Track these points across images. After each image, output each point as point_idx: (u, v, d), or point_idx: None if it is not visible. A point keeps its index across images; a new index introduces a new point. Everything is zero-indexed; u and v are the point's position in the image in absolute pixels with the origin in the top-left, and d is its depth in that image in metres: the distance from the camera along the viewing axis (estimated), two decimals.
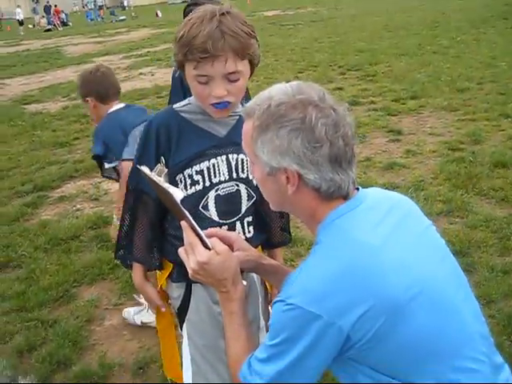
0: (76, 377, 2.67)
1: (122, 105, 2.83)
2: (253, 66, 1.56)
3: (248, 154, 1.27)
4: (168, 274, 1.74)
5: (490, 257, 3.36)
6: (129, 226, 1.75)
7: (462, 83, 7.82)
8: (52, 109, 9.29)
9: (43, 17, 39.00)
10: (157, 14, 33.41)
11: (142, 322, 3.04)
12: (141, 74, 12.07)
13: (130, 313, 3.10)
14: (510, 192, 4.21)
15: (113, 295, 3.40)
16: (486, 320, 1.29)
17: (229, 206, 1.66)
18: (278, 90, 1.20)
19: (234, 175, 1.65)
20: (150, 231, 1.72)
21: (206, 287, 1.65)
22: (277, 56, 12.21)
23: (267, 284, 1.82)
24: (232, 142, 1.61)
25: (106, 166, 2.75)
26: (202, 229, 1.30)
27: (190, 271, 1.29)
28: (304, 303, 1.10)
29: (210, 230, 1.39)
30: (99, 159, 2.79)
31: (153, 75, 11.70)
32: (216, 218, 1.65)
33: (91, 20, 39.45)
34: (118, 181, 2.81)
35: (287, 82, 1.25)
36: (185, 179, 1.62)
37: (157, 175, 1.31)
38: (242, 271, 1.38)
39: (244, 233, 1.69)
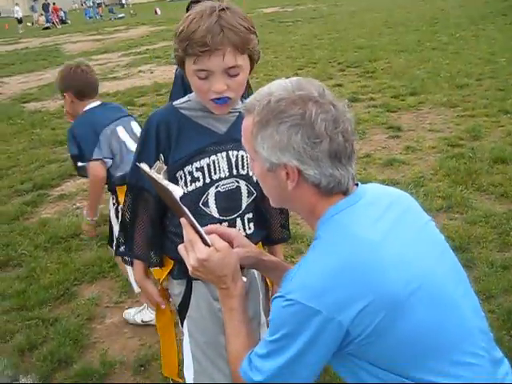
0: (77, 375, 2.67)
1: (97, 103, 2.85)
2: (252, 61, 1.56)
3: (248, 149, 1.26)
4: (169, 271, 1.75)
5: (489, 252, 3.37)
6: (129, 223, 1.75)
7: (461, 79, 7.82)
8: (51, 107, 9.28)
9: (42, 15, 38.92)
10: (155, 12, 33.39)
11: (142, 321, 3.05)
12: (140, 71, 12.07)
13: (130, 314, 3.11)
14: (509, 188, 4.21)
15: (113, 293, 3.40)
16: (486, 315, 1.29)
17: (229, 202, 1.66)
18: (278, 86, 1.20)
19: (234, 172, 1.65)
20: (151, 228, 1.72)
21: (206, 284, 1.65)
22: (276, 53, 12.21)
23: (268, 280, 1.83)
24: (232, 139, 1.61)
25: (79, 164, 2.78)
26: (203, 225, 1.30)
27: (189, 268, 1.30)
28: (303, 299, 1.10)
29: (210, 227, 1.39)
30: (75, 158, 2.82)
31: (152, 73, 11.69)
32: (216, 215, 1.65)
33: (90, 18, 39.39)
34: None
35: (287, 78, 1.25)
36: (185, 176, 1.62)
37: (156, 172, 1.31)
38: (242, 268, 1.38)
39: (244, 229, 1.70)
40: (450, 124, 6.03)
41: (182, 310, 1.74)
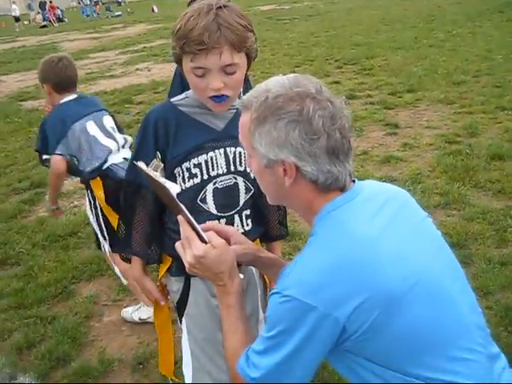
0: (75, 373, 2.68)
1: (73, 96, 2.90)
2: (250, 59, 1.56)
3: (245, 146, 1.26)
4: (167, 267, 1.75)
5: (487, 249, 3.37)
6: (128, 219, 1.75)
7: (458, 76, 7.83)
8: None
9: (38, 13, 38.82)
10: (153, 10, 33.30)
11: (140, 319, 3.05)
12: (137, 69, 12.05)
13: (127, 312, 3.12)
14: (506, 184, 4.22)
15: (111, 291, 3.40)
16: (484, 311, 1.30)
17: (227, 199, 1.66)
18: (276, 83, 1.21)
19: (232, 168, 1.66)
20: (149, 225, 1.72)
21: (204, 281, 1.65)
22: (273, 51, 12.20)
23: (266, 277, 1.83)
24: (230, 136, 1.62)
25: (44, 157, 2.85)
26: (201, 222, 1.31)
27: (186, 265, 1.30)
28: (300, 295, 1.11)
29: (207, 224, 1.39)
30: (40, 151, 2.90)
31: (149, 71, 11.67)
32: (214, 211, 1.65)
33: (87, 16, 39.30)
34: None
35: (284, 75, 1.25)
36: (183, 172, 1.63)
37: (153, 170, 1.32)
38: (239, 265, 1.39)
39: (242, 226, 1.70)
40: (447, 121, 6.04)
41: (181, 306, 1.74)
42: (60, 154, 2.76)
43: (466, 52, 9.56)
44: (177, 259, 1.64)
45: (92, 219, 2.91)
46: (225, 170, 1.65)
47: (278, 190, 1.25)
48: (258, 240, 1.80)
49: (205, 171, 1.63)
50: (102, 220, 2.83)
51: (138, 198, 1.70)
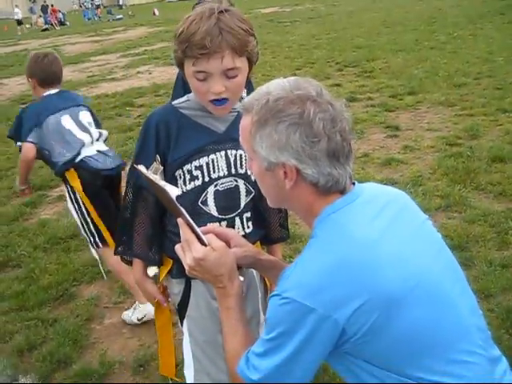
0: (76, 375, 2.68)
1: (55, 90, 3.05)
2: (251, 63, 1.58)
3: (246, 149, 1.27)
4: (168, 270, 1.75)
5: (488, 251, 3.37)
6: (129, 221, 1.75)
7: (459, 78, 7.83)
8: None
9: (40, 16, 38.91)
10: (154, 13, 33.34)
11: (138, 319, 3.05)
12: (138, 72, 12.05)
13: (128, 315, 3.12)
14: (507, 186, 4.22)
15: (112, 293, 3.40)
16: (485, 314, 1.30)
17: (228, 201, 1.67)
18: (276, 86, 1.21)
19: (233, 171, 1.66)
20: (150, 227, 1.73)
21: (205, 283, 1.65)
22: (274, 53, 12.20)
23: (266, 279, 1.83)
24: (231, 138, 1.62)
25: (18, 144, 2.98)
26: (202, 224, 1.31)
27: (186, 267, 1.30)
28: (299, 297, 1.11)
29: (207, 227, 1.40)
30: (12, 138, 3.07)
31: (150, 74, 11.68)
32: (215, 214, 1.66)
33: (88, 19, 39.40)
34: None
35: (285, 78, 1.25)
36: (184, 175, 1.63)
37: (153, 173, 1.33)
38: (239, 267, 1.39)
39: (243, 228, 1.71)
40: (448, 123, 6.04)
41: (182, 309, 1.74)
42: (31, 142, 2.90)
43: (467, 54, 9.56)
44: (177, 261, 1.63)
45: (75, 215, 3.04)
46: (226, 173, 1.65)
47: (279, 193, 1.25)
48: (258, 242, 1.81)
49: (206, 173, 1.63)
50: (85, 213, 2.96)
51: (139, 200, 1.71)
